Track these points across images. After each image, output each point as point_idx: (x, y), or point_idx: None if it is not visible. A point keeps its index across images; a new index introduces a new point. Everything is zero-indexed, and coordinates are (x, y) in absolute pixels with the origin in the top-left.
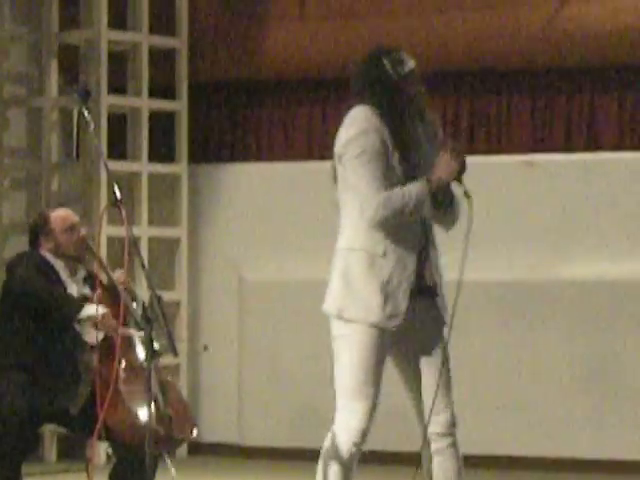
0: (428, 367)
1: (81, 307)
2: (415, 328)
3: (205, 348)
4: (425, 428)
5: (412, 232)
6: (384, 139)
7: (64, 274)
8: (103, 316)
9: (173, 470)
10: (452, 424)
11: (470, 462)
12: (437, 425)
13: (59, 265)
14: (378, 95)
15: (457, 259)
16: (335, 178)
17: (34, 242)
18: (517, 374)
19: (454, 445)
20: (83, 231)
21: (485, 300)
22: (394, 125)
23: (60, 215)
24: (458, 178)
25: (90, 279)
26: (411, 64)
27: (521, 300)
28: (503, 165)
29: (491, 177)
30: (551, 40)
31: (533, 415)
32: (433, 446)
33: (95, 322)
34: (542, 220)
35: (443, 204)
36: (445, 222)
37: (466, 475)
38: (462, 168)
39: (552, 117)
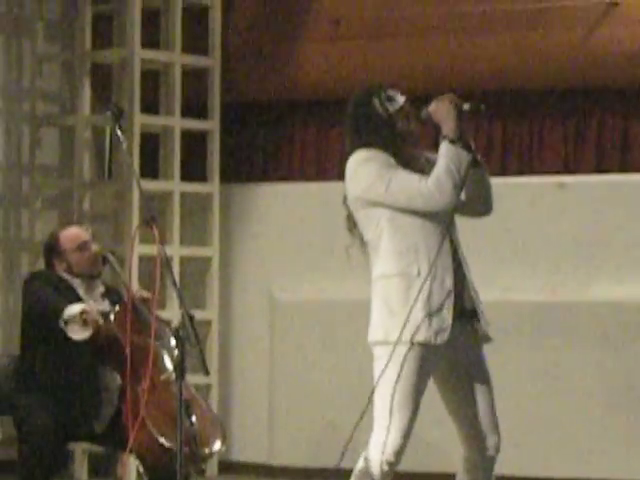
0: (473, 391)
1: (62, 310)
2: (457, 352)
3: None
4: (472, 448)
5: (443, 250)
6: (392, 162)
7: (81, 291)
8: (83, 310)
9: None
10: (498, 449)
11: None
12: (485, 448)
13: (76, 283)
14: (372, 134)
15: (485, 275)
16: (350, 227)
17: (49, 263)
18: (548, 394)
19: (493, 467)
20: (95, 247)
21: (515, 320)
22: (395, 156)
23: (69, 234)
24: (460, 112)
25: (109, 294)
26: (400, 100)
27: (551, 320)
28: (534, 186)
29: (522, 198)
30: (583, 61)
31: (564, 435)
32: (477, 466)
33: (82, 319)
34: (573, 240)
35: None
36: (482, 198)
37: None
38: (456, 104)
39: (583, 138)
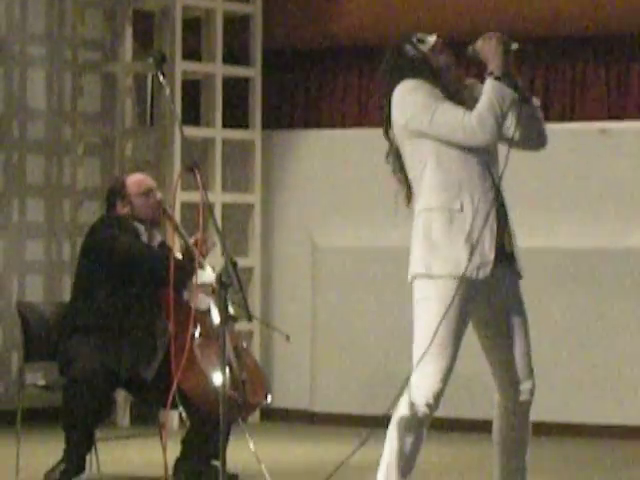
0: (510, 334)
1: (193, 271)
2: (497, 293)
3: (287, 338)
4: (507, 392)
5: (486, 186)
6: (437, 93)
7: (144, 237)
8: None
9: (248, 435)
10: (533, 393)
11: (535, 429)
12: (520, 392)
13: (140, 228)
14: (411, 73)
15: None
16: (395, 170)
17: (111, 207)
18: (586, 341)
19: (529, 412)
20: (159, 195)
21: (555, 267)
22: (438, 89)
23: (136, 179)
24: (508, 51)
25: (161, 247)
26: (431, 40)
27: (591, 267)
28: (577, 132)
29: (565, 145)
30: (627, 7)
31: (602, 383)
32: (511, 410)
33: (211, 288)
34: (614, 188)
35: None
36: (535, 132)
37: (532, 442)
38: (504, 42)
39: (627, 85)
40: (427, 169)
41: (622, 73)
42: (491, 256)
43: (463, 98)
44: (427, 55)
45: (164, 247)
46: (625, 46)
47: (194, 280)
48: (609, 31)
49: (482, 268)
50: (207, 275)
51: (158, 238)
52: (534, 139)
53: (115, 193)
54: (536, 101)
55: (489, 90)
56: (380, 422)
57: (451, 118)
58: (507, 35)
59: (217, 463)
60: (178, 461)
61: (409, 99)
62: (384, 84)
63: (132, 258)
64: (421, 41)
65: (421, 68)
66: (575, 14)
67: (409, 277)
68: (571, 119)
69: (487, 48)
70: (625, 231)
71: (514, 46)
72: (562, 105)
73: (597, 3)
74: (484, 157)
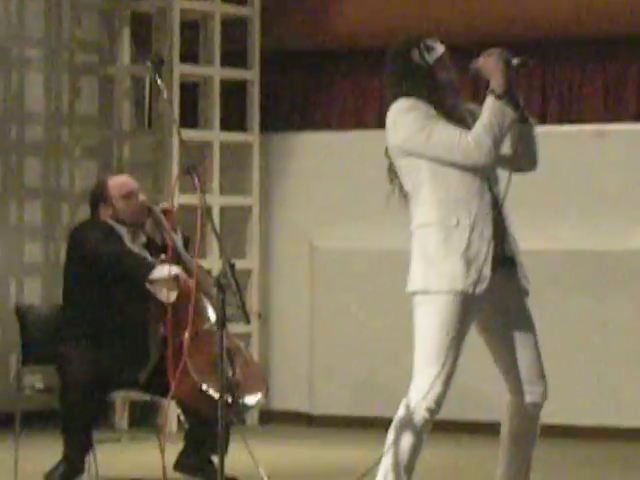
0: (518, 337)
1: (152, 267)
2: (499, 299)
3: (260, 316)
4: (519, 393)
5: (483, 201)
6: (432, 113)
7: (127, 239)
8: (176, 275)
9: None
10: (545, 396)
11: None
12: (533, 395)
13: (122, 230)
14: (412, 85)
15: (524, 224)
16: (390, 177)
17: (94, 210)
18: (587, 343)
19: (539, 415)
20: (142, 197)
21: (555, 269)
22: (436, 107)
23: (118, 182)
24: (509, 67)
25: (150, 245)
26: (439, 50)
27: (591, 269)
28: (574, 134)
29: (562, 147)
30: (624, 9)
31: (603, 385)
32: (522, 411)
33: (169, 282)
34: (613, 189)
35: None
36: (528, 154)
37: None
38: (505, 58)
39: (624, 86)
40: (424, 185)
41: (619, 75)
42: (487, 272)
43: (462, 115)
44: (432, 67)
45: (151, 245)
46: (622, 48)
47: (154, 275)
48: (606, 33)
49: (479, 284)
50: (163, 270)
51: (142, 238)
52: (526, 161)
53: (97, 196)
54: (533, 121)
55: (489, 108)
56: (370, 424)
57: (447, 139)
58: (499, 45)
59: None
60: (180, 456)
61: (403, 120)
62: (386, 93)
63: (112, 263)
64: (429, 49)
65: (424, 81)
66: (571, 16)
67: (408, 291)
68: (568, 121)
69: (488, 65)
70: (624, 233)
71: (515, 61)
72: (559, 107)
73: (593, 5)
74: (483, 172)
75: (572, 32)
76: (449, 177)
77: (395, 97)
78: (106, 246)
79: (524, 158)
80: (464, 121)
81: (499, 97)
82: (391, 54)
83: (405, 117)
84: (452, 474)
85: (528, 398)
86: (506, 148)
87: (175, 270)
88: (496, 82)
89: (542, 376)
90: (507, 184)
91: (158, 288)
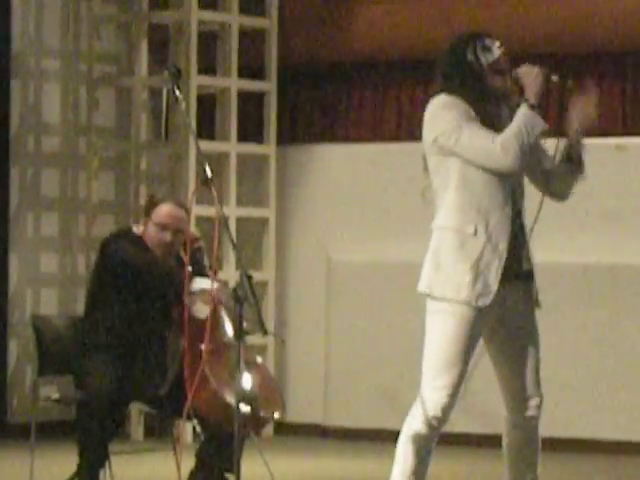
0: (520, 352)
1: (191, 279)
2: (508, 312)
3: (282, 341)
4: (514, 408)
5: (504, 213)
6: (471, 115)
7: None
8: (218, 289)
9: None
10: (540, 408)
11: (549, 444)
12: (529, 409)
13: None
14: (459, 83)
15: (541, 238)
16: (426, 168)
17: (138, 221)
18: (601, 357)
19: (537, 427)
20: (168, 237)
21: (571, 282)
22: (477, 110)
23: (164, 209)
24: (549, 81)
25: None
26: (496, 53)
27: (606, 283)
28: (593, 148)
29: None
30: None
31: (618, 398)
32: (519, 427)
33: (205, 296)
34: (631, 203)
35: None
36: (565, 191)
37: (544, 457)
38: (546, 73)
39: None
40: (451, 186)
41: (638, 89)
42: (494, 286)
43: (503, 127)
44: (485, 70)
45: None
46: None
47: (194, 287)
48: (624, 47)
49: (482, 297)
50: (204, 282)
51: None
52: (559, 194)
53: (145, 210)
54: (585, 173)
55: (520, 117)
56: (384, 436)
57: (477, 141)
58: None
59: (231, 477)
60: (192, 474)
61: (440, 116)
62: (435, 78)
63: (145, 273)
64: (485, 49)
65: (472, 83)
66: (590, 30)
67: (418, 289)
68: (587, 135)
69: (528, 74)
70: None
71: (554, 78)
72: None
73: (612, 19)
74: (509, 184)
75: (589, 46)
76: (475, 184)
77: (440, 90)
78: (141, 255)
79: (558, 195)
80: (501, 125)
81: (532, 107)
82: (448, 48)
83: (442, 113)
84: None
85: (522, 412)
86: (547, 164)
87: (217, 283)
88: (531, 92)
89: (538, 389)
90: (539, 208)
91: (194, 301)
